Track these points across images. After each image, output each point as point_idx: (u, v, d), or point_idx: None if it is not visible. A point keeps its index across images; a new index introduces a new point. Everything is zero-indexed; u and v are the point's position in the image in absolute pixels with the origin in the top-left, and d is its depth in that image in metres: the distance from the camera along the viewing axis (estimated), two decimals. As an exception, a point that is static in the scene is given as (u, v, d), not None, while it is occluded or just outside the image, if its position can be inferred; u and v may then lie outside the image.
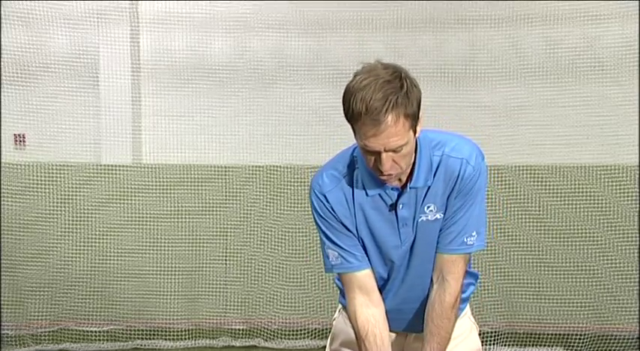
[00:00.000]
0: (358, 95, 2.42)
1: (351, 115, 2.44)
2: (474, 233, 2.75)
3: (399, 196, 2.68)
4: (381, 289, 2.93)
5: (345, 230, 2.79)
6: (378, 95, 2.41)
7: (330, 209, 2.78)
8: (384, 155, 2.48)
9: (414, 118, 2.46)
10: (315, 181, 2.86)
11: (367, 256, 2.84)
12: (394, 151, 2.47)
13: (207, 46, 8.26)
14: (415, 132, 2.54)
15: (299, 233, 7.95)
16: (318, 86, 7.97)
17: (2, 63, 7.79)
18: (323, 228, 2.85)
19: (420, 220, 2.72)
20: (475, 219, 2.75)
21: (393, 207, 2.70)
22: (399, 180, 2.61)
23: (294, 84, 8.01)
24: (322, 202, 2.81)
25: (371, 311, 2.82)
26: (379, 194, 2.70)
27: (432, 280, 2.88)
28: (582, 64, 7.81)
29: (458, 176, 2.66)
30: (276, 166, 8.01)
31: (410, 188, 2.65)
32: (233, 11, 8.16)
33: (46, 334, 7.75)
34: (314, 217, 2.89)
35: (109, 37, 8.23)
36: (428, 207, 2.71)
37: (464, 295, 2.98)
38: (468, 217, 2.73)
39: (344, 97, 2.49)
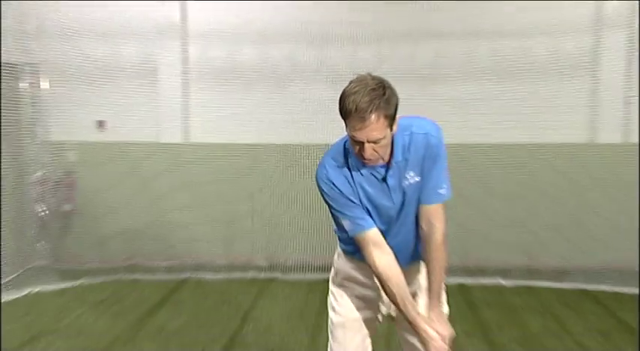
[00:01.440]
0: (350, 98, 2.81)
1: (345, 112, 2.85)
2: (443, 185, 3.11)
3: (386, 171, 3.05)
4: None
5: (352, 204, 3.12)
6: (365, 99, 2.77)
7: (339, 191, 3.11)
8: (366, 145, 2.87)
9: (391, 119, 2.86)
10: (320, 172, 3.17)
11: (372, 218, 3.15)
12: (374, 142, 2.86)
13: (238, 54, 8.77)
14: (392, 129, 2.90)
15: (307, 195, 8.48)
16: (321, 85, 8.30)
17: (87, 68, 8.26)
18: (335, 206, 3.16)
19: (404, 184, 3.09)
20: (443, 175, 3.10)
21: (384, 179, 3.07)
22: (382, 159, 2.98)
23: (303, 83, 8.70)
24: (331, 186, 3.13)
25: (385, 259, 3.10)
26: (371, 173, 3.08)
27: (419, 226, 3.21)
28: (518, 67, 8.45)
29: (426, 146, 3.03)
30: (290, 145, 8.71)
31: (394, 163, 3.03)
32: (258, 28, 8.66)
33: (122, 268, 8.55)
34: (325, 200, 3.20)
35: (166, 48, 8.78)
36: (409, 173, 3.07)
37: None
38: (438, 174, 3.08)
39: (340, 98, 2.87)
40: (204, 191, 8.90)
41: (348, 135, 2.92)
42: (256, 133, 8.93)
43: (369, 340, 3.47)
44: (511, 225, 8.64)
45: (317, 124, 8.42)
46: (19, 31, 8.19)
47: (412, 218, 3.19)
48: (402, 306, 3.05)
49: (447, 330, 3.09)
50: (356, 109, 2.76)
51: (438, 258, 3.11)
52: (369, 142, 2.84)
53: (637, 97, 8.34)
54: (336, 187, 3.09)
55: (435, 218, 3.08)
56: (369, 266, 3.09)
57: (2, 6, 7.87)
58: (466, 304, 7.22)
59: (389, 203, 3.11)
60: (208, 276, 8.45)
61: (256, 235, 9.03)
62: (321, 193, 3.15)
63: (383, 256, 3.08)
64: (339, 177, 3.10)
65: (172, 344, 6.00)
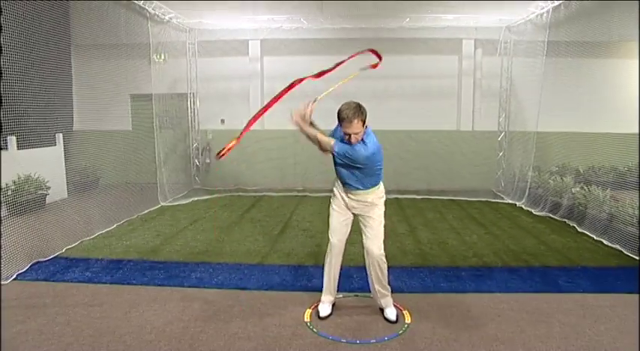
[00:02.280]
0: (344, 112, 2.89)
1: (341, 118, 2.92)
2: (338, 148, 3.00)
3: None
4: (345, 178, 3.16)
5: (335, 136, 3.18)
6: (351, 112, 2.87)
7: (337, 129, 3.15)
8: (352, 136, 2.92)
9: (363, 122, 2.91)
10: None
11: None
12: (356, 134, 2.91)
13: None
14: (363, 127, 2.93)
15: (322, 156, 8.64)
16: (328, 103, 8.47)
17: (216, 94, 8.41)
18: (336, 127, 3.14)
19: None
20: (347, 152, 2.99)
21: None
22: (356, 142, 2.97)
23: (320, 102, 9.06)
24: (336, 128, 3.19)
25: (322, 138, 3.09)
26: (347, 141, 3.01)
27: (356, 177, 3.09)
28: (424, 94, 8.57)
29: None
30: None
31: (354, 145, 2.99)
32: (298, 74, 8.46)
33: (233, 189, 8.60)
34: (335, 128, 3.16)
35: (253, 83, 8.67)
36: None
37: (376, 181, 3.17)
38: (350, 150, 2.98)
39: (338, 111, 2.95)
40: (271, 153, 8.82)
41: (342, 131, 2.95)
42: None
43: (347, 229, 3.33)
44: (420, 169, 8.63)
45: (325, 121, 8.29)
46: (186, 78, 8.43)
47: (356, 171, 3.09)
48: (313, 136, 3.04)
49: (302, 111, 3.14)
50: (347, 117, 2.87)
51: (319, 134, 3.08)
52: (352, 134, 2.90)
53: (480, 110, 8.57)
54: (337, 127, 3.10)
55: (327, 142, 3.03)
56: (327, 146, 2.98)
57: (181, 65, 8.07)
58: (398, 207, 7.09)
59: None
60: (273, 194, 8.36)
61: (296, 174, 8.90)
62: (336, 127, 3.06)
63: (324, 138, 3.06)
64: (338, 131, 3.08)
65: (258, 225, 6.03)
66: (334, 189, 3.35)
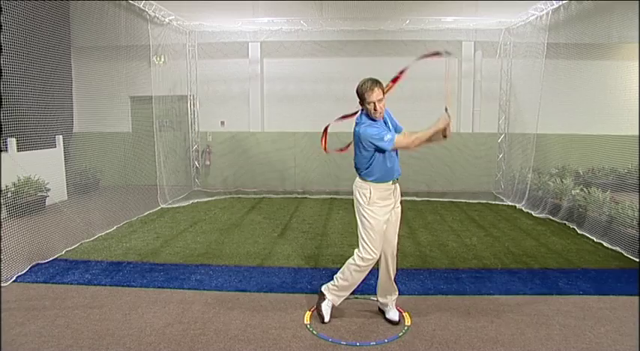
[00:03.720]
0: (364, 84, 2.98)
1: (363, 91, 2.97)
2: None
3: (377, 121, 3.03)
4: (397, 165, 3.17)
5: (387, 128, 3.08)
6: (370, 82, 2.98)
7: (377, 125, 3.02)
8: (377, 104, 2.97)
9: (383, 90, 3.00)
10: (365, 121, 3.07)
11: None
12: (380, 101, 2.97)
13: (287, 88, 8.76)
14: (384, 96, 2.97)
15: (322, 158, 8.37)
16: (328, 102, 8.11)
17: (216, 96, 8.47)
18: (379, 130, 3.00)
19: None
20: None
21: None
22: (382, 116, 3.03)
23: (318, 102, 8.47)
24: (374, 124, 3.05)
25: (402, 136, 2.94)
26: (376, 121, 3.02)
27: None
28: (423, 96, 8.42)
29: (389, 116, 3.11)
30: (313, 132, 8.25)
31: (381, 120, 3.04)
32: (298, 76, 8.66)
33: (233, 191, 8.58)
34: (371, 132, 3.00)
35: (253, 85, 8.80)
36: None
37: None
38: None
39: (359, 88, 2.98)
40: (271, 155, 8.87)
41: (368, 104, 2.94)
42: (296, 126, 8.82)
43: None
44: (420, 171, 8.54)
45: (325, 122, 8.28)
46: (186, 80, 8.46)
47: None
48: (425, 138, 2.90)
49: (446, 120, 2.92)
50: (368, 86, 2.95)
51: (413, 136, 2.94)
52: (378, 101, 2.94)
53: (480, 112, 8.56)
54: (376, 123, 3.02)
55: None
56: (410, 143, 2.86)
57: (184, 66, 8.11)
58: (397, 209, 7.22)
59: None
60: (273, 196, 8.34)
61: (296, 176, 8.95)
62: (367, 129, 2.95)
63: (399, 137, 2.95)
64: (374, 121, 3.03)
65: (258, 227, 6.03)
66: (369, 193, 3.10)
